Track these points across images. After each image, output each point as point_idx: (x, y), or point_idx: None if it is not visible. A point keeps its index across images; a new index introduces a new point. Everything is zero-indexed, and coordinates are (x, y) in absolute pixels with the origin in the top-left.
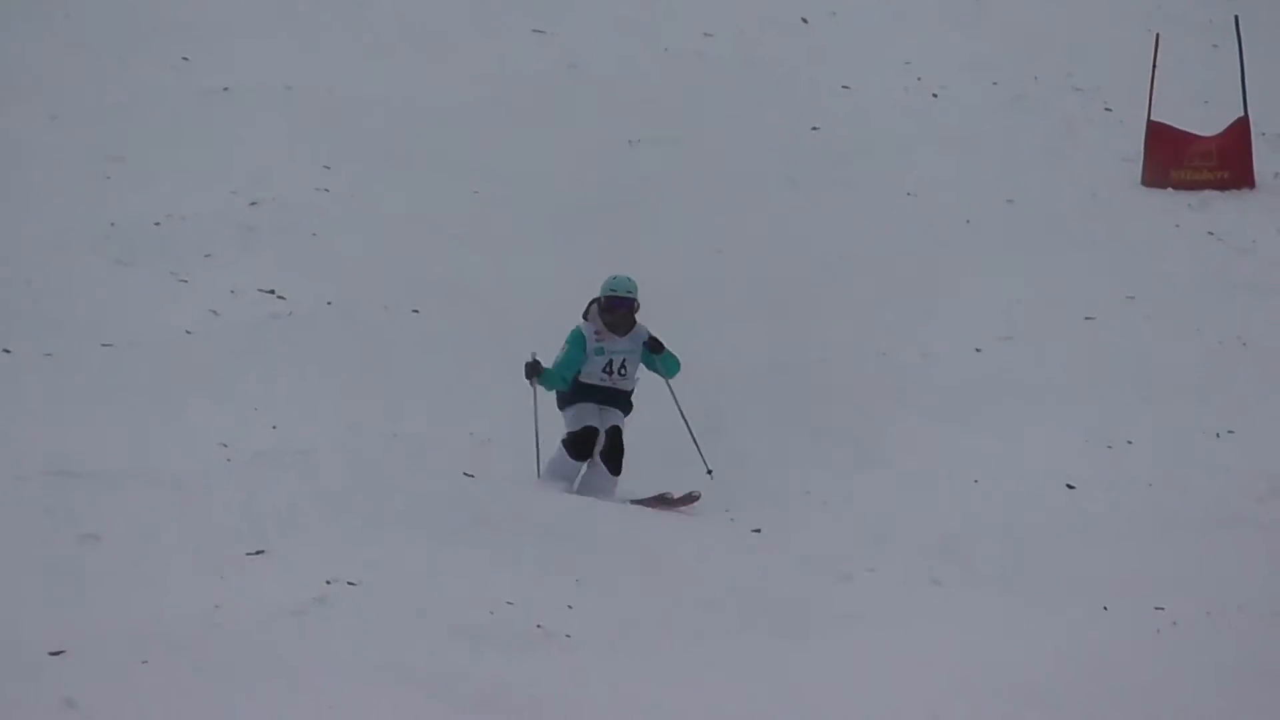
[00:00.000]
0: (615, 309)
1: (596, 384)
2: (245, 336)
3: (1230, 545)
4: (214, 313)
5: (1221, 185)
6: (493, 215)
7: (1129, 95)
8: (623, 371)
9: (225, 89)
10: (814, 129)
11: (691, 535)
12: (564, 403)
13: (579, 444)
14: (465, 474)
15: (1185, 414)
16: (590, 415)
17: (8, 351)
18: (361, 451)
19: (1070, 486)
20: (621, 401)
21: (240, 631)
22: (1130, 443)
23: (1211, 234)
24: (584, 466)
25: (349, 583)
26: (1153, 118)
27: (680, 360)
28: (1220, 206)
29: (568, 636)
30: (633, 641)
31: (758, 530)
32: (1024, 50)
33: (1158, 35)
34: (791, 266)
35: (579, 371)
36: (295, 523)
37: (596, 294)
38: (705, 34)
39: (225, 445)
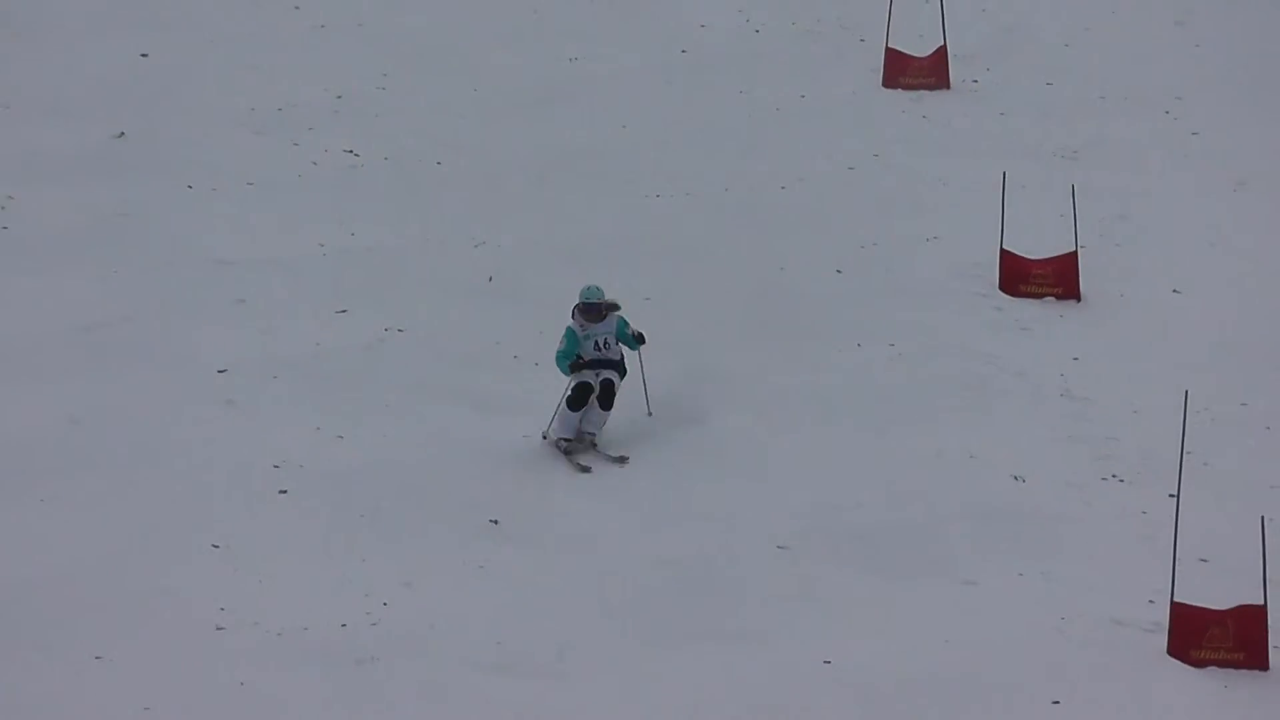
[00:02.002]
0: (588, 311)
1: (593, 357)
2: (334, 178)
3: (940, 301)
4: (314, 164)
5: (930, 87)
6: (486, 103)
7: (875, 31)
8: (606, 345)
9: (321, 26)
10: (683, 51)
11: None
12: (572, 374)
13: (576, 398)
14: (488, 278)
15: (906, 227)
16: (587, 378)
17: (190, 187)
18: (407, 248)
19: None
20: (615, 367)
21: (333, 358)
22: (875, 244)
23: (925, 118)
24: (582, 413)
25: (399, 329)
26: (889, 45)
27: (645, 337)
28: (930, 101)
29: (535, 365)
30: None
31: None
32: (812, 3)
33: None
34: (669, 139)
35: (579, 352)
36: (366, 291)
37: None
38: None
39: (322, 245)
